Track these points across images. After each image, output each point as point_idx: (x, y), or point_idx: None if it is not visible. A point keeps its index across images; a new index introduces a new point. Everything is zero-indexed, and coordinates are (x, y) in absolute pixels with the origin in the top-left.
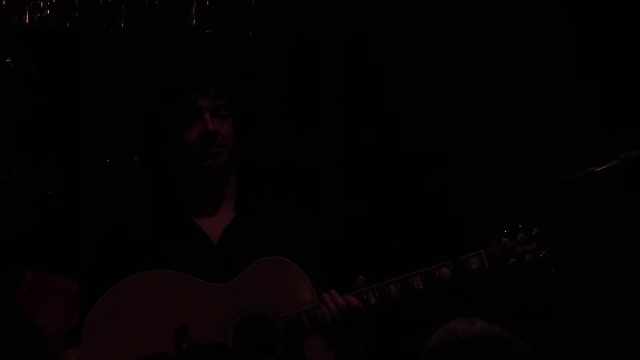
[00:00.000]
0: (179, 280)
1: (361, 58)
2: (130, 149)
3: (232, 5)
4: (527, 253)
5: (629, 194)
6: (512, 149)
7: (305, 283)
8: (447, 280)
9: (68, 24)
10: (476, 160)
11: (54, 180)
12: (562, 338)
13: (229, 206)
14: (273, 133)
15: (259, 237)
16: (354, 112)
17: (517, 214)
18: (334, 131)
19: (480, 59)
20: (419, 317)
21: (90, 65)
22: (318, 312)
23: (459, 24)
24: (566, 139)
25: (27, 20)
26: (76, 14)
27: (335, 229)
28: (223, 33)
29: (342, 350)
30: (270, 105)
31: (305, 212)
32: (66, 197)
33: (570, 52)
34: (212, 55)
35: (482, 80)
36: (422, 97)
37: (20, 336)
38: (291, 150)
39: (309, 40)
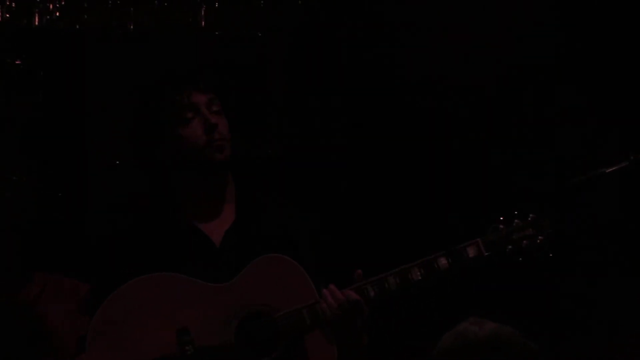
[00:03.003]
0: (179, 282)
1: (366, 54)
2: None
3: (241, 6)
4: (524, 239)
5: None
6: (514, 145)
7: (304, 279)
8: (445, 270)
9: (77, 26)
10: (477, 155)
11: (60, 182)
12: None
13: (229, 208)
14: (274, 131)
15: (260, 239)
16: (351, 109)
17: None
18: (335, 128)
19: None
20: (427, 315)
21: (96, 67)
22: (318, 308)
23: (465, 21)
24: (571, 137)
25: (36, 22)
26: (85, 16)
27: (333, 223)
28: (232, 35)
29: (344, 345)
30: (272, 102)
31: (304, 212)
32: (72, 199)
33: (579, 49)
34: (212, 54)
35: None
36: (425, 92)
37: (32, 339)
38: (290, 148)
39: (315, 37)
